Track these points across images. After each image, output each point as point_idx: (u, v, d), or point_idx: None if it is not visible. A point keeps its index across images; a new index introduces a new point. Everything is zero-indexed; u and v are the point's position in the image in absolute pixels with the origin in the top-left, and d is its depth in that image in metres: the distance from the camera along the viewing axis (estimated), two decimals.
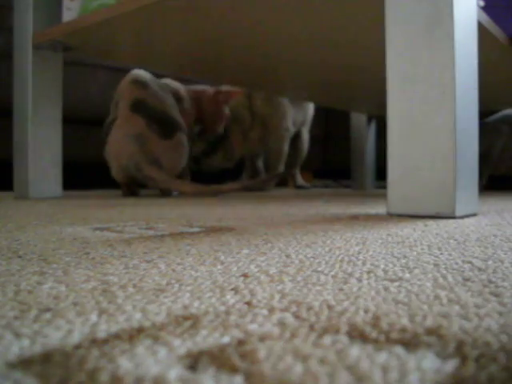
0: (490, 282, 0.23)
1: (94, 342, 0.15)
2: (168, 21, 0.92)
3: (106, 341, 0.15)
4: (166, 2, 0.83)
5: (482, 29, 0.84)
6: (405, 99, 0.60)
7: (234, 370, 0.13)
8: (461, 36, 0.58)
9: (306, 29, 0.95)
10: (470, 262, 0.29)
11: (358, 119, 1.97)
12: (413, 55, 0.60)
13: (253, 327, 0.17)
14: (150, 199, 1.09)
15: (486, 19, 0.84)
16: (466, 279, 0.24)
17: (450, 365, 0.13)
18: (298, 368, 0.13)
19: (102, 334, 0.16)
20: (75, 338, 0.15)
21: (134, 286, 0.23)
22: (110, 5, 0.89)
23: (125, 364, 0.13)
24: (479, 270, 0.26)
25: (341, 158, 2.34)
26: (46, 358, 0.14)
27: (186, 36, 1.01)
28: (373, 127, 1.98)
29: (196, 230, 0.46)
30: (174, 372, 0.13)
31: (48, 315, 0.18)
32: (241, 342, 0.15)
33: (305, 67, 1.26)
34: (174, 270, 0.26)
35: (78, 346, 0.15)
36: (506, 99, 1.59)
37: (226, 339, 0.15)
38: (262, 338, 0.15)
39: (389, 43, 0.62)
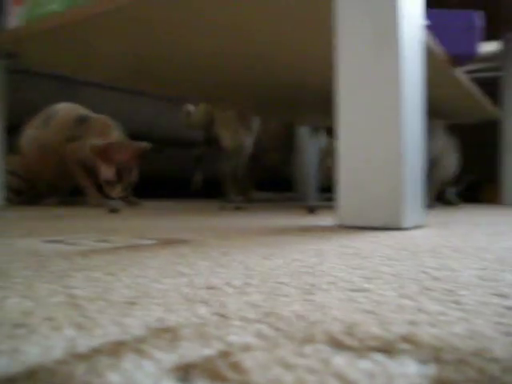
0: (449, 290, 0.24)
1: (77, 357, 0.15)
2: (112, 33, 0.91)
3: (89, 356, 0.15)
4: (113, 13, 0.82)
5: (425, 46, 0.87)
6: (353, 113, 0.62)
7: (226, 380, 0.13)
8: (407, 52, 0.61)
9: (248, 43, 0.96)
10: (426, 272, 0.30)
11: (302, 131, 1.99)
12: (361, 70, 0.61)
13: (232, 338, 0.17)
14: (95, 211, 1.07)
15: (428, 37, 0.87)
16: (427, 288, 0.25)
17: (431, 369, 0.14)
18: (288, 377, 0.13)
19: (83, 348, 0.16)
20: (56, 353, 0.15)
21: (103, 299, 0.22)
22: (57, 13, 0.88)
23: (114, 379, 0.13)
24: (436, 279, 0.27)
25: (284, 170, 2.36)
26: (31, 375, 0.14)
27: (129, 48, 1.01)
28: (316, 139, 2.01)
29: (150, 242, 0.46)
30: None
31: (22, 331, 0.18)
32: (225, 354, 0.15)
33: (247, 81, 1.27)
34: (138, 283, 0.26)
35: (61, 362, 0.15)
36: (446, 113, 1.65)
37: (209, 351, 0.16)
38: (245, 349, 0.16)
39: (338, 58, 0.63)
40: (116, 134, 1.32)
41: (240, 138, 1.75)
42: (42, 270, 0.30)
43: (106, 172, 1.26)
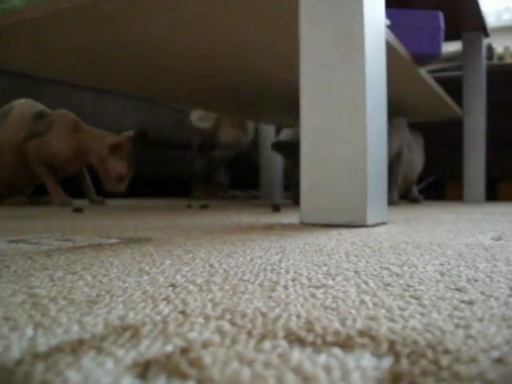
0: (409, 286, 0.25)
1: (36, 356, 0.15)
2: (70, 30, 0.90)
3: (48, 354, 0.15)
4: (72, 11, 0.81)
5: (388, 46, 0.88)
6: (318, 112, 0.62)
7: (184, 376, 0.13)
8: (371, 52, 0.61)
9: (211, 42, 0.96)
10: (387, 268, 0.30)
11: (267, 130, 2.00)
12: (326, 70, 0.62)
13: (193, 335, 0.17)
14: (59, 210, 1.06)
15: (391, 37, 0.88)
16: (387, 284, 0.25)
17: (386, 362, 0.14)
18: (246, 372, 0.14)
19: (42, 347, 0.16)
20: (15, 353, 0.15)
21: (65, 298, 0.22)
22: (14, 10, 0.86)
23: (73, 376, 0.13)
24: (397, 275, 0.28)
25: (249, 168, 2.37)
26: None
27: (87, 46, 0.99)
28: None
29: (114, 241, 0.46)
30: (126, 382, 0.13)
31: None
32: (185, 350, 0.15)
33: (209, 79, 1.26)
34: (101, 282, 0.26)
35: (19, 362, 0.14)
36: (410, 111, 1.67)
37: (169, 348, 0.16)
38: (205, 345, 0.16)
39: (303, 58, 0.64)
40: (87, 128, 1.31)
41: (237, 136, 1.85)
42: (4, 270, 0.30)
43: (119, 167, 1.27)
